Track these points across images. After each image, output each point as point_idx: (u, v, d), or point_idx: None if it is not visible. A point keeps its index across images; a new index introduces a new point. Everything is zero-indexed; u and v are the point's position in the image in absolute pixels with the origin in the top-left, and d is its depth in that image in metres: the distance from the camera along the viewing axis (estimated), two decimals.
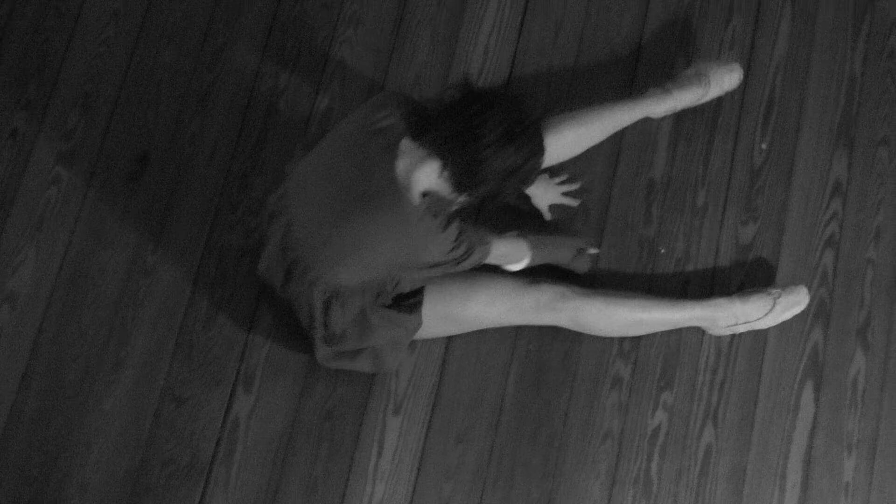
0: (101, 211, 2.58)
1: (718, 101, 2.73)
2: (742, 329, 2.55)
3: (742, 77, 2.68)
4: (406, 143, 2.05)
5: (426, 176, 2.02)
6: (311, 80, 2.69)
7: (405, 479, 2.46)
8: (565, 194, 2.64)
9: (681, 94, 2.62)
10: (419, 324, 2.36)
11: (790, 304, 2.55)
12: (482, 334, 2.52)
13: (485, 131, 1.94)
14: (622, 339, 2.56)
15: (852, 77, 2.78)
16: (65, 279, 2.53)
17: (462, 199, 2.05)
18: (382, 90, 2.69)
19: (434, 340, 2.51)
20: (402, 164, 2.04)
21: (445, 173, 1.99)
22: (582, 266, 2.51)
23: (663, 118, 2.70)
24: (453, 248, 2.13)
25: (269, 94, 2.68)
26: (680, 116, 2.71)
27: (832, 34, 2.80)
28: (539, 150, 2.01)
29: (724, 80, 2.65)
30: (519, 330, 2.54)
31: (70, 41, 2.69)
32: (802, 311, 2.60)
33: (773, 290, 2.56)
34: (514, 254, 2.39)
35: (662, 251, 2.63)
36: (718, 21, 2.80)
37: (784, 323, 2.59)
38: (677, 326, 2.54)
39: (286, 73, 2.70)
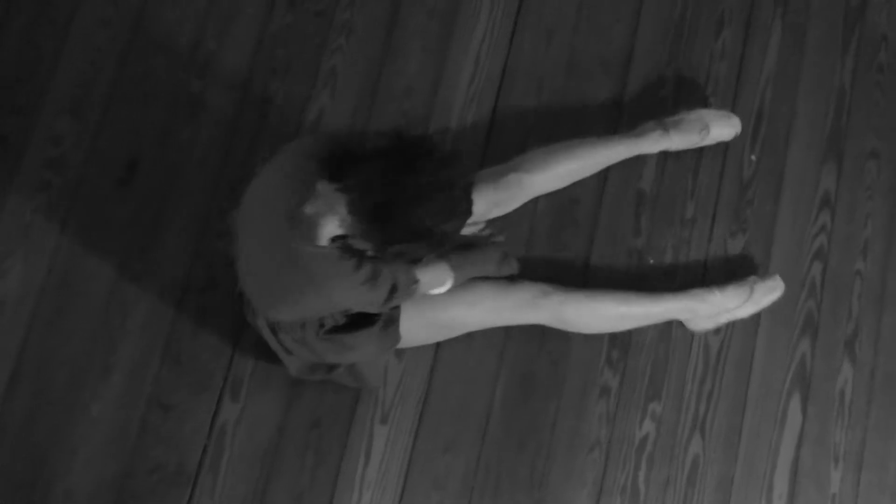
0: (89, 217, 2.57)
1: None
2: (724, 319, 2.56)
3: (739, 132, 2.69)
4: (322, 186, 1.93)
5: (332, 223, 1.92)
6: (302, 88, 2.69)
7: (392, 488, 2.46)
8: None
9: (678, 136, 2.63)
10: (394, 341, 2.33)
11: (767, 290, 2.57)
12: (470, 344, 2.52)
13: (399, 189, 1.83)
14: (610, 349, 2.56)
15: (842, 90, 2.79)
16: (53, 285, 2.53)
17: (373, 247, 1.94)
18: (317, 132, 2.61)
19: (422, 349, 2.51)
20: (311, 208, 1.93)
21: (352, 221, 1.89)
22: (509, 269, 2.47)
23: None
24: (371, 290, 2.04)
25: (260, 101, 2.68)
26: None
27: (822, 47, 2.81)
28: (459, 213, 1.88)
29: (724, 131, 2.67)
30: (507, 339, 2.54)
31: (61, 47, 2.69)
32: (791, 323, 2.61)
33: (749, 278, 2.58)
34: (436, 279, 2.31)
35: (651, 262, 2.64)
36: (709, 33, 2.80)
37: (772, 334, 2.60)
38: (660, 320, 2.55)
39: (277, 80, 2.69)
